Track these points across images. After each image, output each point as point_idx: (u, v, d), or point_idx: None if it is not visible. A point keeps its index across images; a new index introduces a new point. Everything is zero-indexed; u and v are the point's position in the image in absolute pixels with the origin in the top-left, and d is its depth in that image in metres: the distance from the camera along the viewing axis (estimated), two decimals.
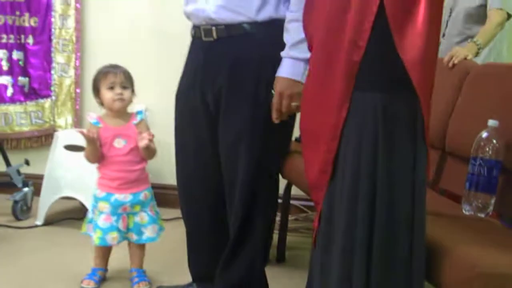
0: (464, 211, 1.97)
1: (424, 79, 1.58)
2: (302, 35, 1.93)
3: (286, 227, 3.01)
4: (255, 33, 2.15)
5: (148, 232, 2.63)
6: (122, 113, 2.61)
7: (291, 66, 2.07)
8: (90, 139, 2.52)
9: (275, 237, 3.04)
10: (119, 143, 2.58)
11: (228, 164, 2.27)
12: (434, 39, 1.60)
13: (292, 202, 3.18)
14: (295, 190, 2.96)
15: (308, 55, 1.94)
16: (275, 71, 2.13)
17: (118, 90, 2.55)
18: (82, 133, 2.52)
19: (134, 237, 2.63)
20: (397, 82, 1.58)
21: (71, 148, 3.38)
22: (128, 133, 2.59)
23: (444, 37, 3.38)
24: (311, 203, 3.58)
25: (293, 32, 2.08)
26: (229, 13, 2.15)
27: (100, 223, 2.58)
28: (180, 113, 2.40)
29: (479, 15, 3.27)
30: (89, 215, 2.68)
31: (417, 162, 1.59)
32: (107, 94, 2.56)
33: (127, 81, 2.58)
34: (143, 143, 2.50)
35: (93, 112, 2.66)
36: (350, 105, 1.60)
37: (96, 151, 2.56)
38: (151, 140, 2.52)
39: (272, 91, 2.12)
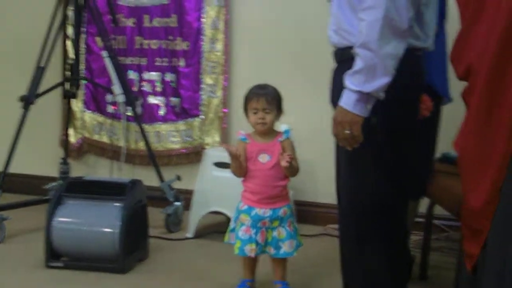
0: None
1: None
2: (360, 66, 1.92)
3: (428, 246, 3.02)
4: None
5: (285, 247, 2.71)
6: (268, 132, 2.73)
7: (345, 96, 2.00)
8: (233, 154, 2.66)
9: (418, 255, 3.06)
10: (263, 158, 2.70)
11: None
12: None
13: (433, 221, 3.17)
14: (436, 210, 2.97)
15: (361, 87, 1.91)
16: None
17: (260, 115, 2.68)
18: (226, 147, 2.68)
19: (272, 251, 2.71)
20: None
21: (220, 165, 3.53)
22: (273, 149, 2.70)
23: None
24: (452, 223, 3.55)
25: (357, 60, 1.97)
26: (338, 37, 2.16)
27: (240, 234, 2.70)
28: None
29: None
30: (232, 225, 2.81)
31: None
32: (251, 117, 2.71)
33: (270, 105, 2.68)
34: (283, 163, 2.60)
35: (241, 130, 2.79)
36: None
37: (240, 166, 2.69)
38: (290, 160, 2.59)
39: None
